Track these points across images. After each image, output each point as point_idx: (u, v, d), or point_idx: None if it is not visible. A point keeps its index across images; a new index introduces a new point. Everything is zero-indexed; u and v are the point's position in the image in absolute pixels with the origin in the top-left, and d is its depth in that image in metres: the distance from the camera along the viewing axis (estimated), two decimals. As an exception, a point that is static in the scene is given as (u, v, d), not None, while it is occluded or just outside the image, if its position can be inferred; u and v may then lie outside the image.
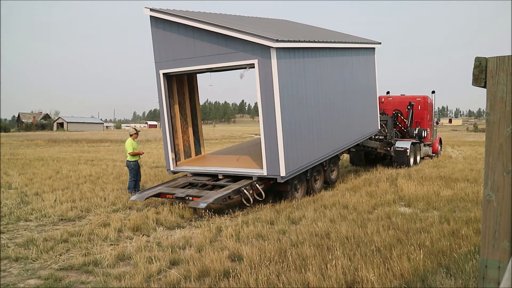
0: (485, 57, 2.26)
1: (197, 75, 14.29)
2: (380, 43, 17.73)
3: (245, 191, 10.64)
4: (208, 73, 12.40)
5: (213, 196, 10.25)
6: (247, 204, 10.78)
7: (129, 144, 13.16)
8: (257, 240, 7.96)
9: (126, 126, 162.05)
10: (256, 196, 10.95)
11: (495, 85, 2.18)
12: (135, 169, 13.19)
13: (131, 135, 13.53)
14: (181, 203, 11.10)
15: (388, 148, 19.57)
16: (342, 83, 14.48)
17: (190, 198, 10.53)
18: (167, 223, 9.65)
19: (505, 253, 2.03)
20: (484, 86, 2.27)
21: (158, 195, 11.27)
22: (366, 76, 16.69)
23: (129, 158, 13.23)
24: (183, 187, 11.59)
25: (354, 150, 18.98)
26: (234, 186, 10.87)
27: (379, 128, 18.40)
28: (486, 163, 2.22)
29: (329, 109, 13.41)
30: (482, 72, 2.26)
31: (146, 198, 11.12)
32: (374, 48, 17.48)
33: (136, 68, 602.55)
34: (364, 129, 16.51)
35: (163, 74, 12.30)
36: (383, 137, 19.63)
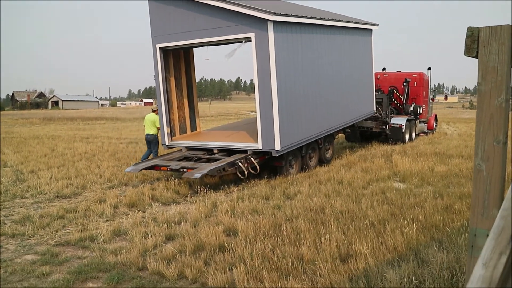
0: (477, 27, 2.24)
1: (194, 50, 14.20)
2: (378, 25, 17.51)
3: (239, 163, 10.66)
4: (205, 47, 12.35)
5: (207, 167, 10.27)
6: (242, 177, 10.81)
7: (157, 119, 13.59)
8: (252, 215, 8.03)
9: (122, 103, 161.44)
10: (251, 170, 10.98)
11: (487, 55, 2.18)
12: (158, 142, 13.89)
13: (153, 111, 14.03)
14: (176, 179, 11.13)
15: (384, 127, 19.58)
16: (339, 62, 14.42)
17: (185, 170, 10.55)
18: (163, 199, 9.70)
19: (494, 222, 2.05)
20: (476, 56, 2.26)
21: (153, 167, 11.30)
22: (362, 57, 16.58)
23: (153, 132, 13.82)
24: (178, 160, 11.61)
25: (349, 130, 19.04)
26: (229, 159, 10.90)
27: (375, 110, 18.30)
28: (477, 133, 2.23)
29: (325, 87, 13.38)
30: (474, 42, 2.25)
31: (141, 170, 11.16)
32: (371, 30, 17.31)
33: (131, 46, 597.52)
34: (360, 110, 16.48)
35: (160, 48, 12.21)
36: (378, 115, 19.60)
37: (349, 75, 15.26)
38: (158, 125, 13.61)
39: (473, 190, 2.23)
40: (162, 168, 11.17)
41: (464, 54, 2.28)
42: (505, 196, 1.39)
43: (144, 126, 14.19)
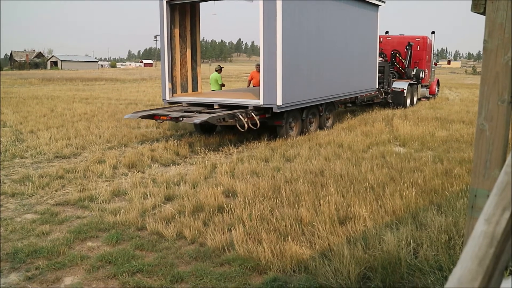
0: (486, -18, 2.16)
1: (200, 6, 13.93)
2: (385, 2, 17.04)
3: (240, 116, 10.63)
4: (212, 2, 12.20)
5: (208, 115, 10.25)
6: (241, 130, 10.76)
7: (220, 78, 15.63)
8: (251, 176, 8.04)
9: (121, 64, 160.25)
10: (251, 125, 10.95)
11: (495, 11, 2.09)
12: None
13: (217, 71, 15.82)
14: (176, 140, 11.12)
15: (385, 96, 19.29)
16: (344, 33, 14.25)
17: (184, 118, 10.55)
18: (162, 160, 9.69)
19: (495, 182, 2.02)
20: (483, 13, 2.18)
21: (152, 116, 11.27)
22: (368, 33, 16.26)
23: (217, 88, 15.57)
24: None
25: (350, 105, 18.67)
26: (230, 112, 10.89)
27: (377, 87, 17.94)
28: (481, 92, 2.16)
29: (328, 54, 13.30)
30: (482, -3, 2.17)
31: (140, 117, 11.21)
32: (378, 6, 16.92)
33: (133, 4, 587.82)
34: (362, 85, 16.22)
35: (167, 2, 12.03)
36: (379, 96, 19.13)
37: (353, 47, 15.10)
38: (221, 82, 15.53)
39: (474, 150, 2.19)
40: (161, 117, 11.11)
41: (471, 10, 2.20)
42: (509, 153, 1.34)
43: (210, 84, 16.00)
